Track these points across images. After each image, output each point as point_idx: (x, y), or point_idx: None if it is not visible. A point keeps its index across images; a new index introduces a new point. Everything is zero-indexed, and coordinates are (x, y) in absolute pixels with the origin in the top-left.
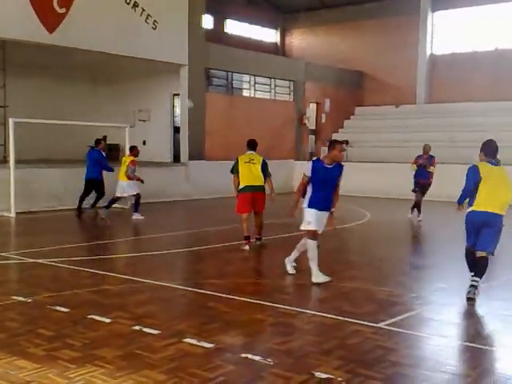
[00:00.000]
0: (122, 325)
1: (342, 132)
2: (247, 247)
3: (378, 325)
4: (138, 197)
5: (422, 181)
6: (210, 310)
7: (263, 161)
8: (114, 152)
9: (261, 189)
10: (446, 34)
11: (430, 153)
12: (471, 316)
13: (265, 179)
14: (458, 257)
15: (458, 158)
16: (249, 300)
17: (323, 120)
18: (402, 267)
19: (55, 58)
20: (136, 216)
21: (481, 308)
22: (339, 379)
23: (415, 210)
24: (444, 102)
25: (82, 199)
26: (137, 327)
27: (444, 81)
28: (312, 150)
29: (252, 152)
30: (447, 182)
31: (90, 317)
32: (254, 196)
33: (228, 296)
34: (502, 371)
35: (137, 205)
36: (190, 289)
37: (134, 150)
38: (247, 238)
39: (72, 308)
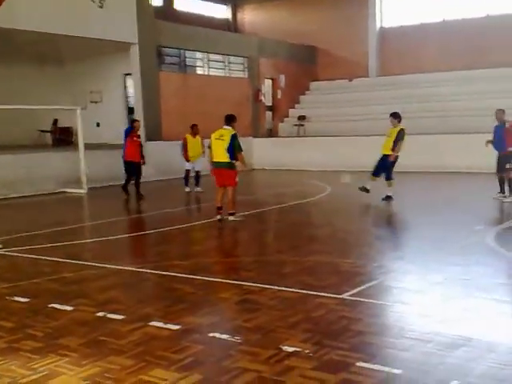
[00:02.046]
0: (85, 312)
1: (298, 107)
2: (218, 217)
3: (342, 296)
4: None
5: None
6: (174, 291)
7: (232, 136)
8: (66, 135)
9: (224, 165)
10: (394, 7)
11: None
12: (431, 282)
13: (234, 154)
14: (416, 225)
15: (410, 129)
16: (213, 279)
17: (279, 96)
18: (363, 238)
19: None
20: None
21: (440, 274)
22: (306, 351)
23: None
24: (395, 75)
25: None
26: (100, 313)
27: (394, 53)
28: (270, 126)
29: (226, 127)
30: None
31: (51, 306)
32: (219, 172)
33: (192, 276)
34: (461, 334)
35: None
36: (153, 271)
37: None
38: (218, 209)
39: (32, 298)
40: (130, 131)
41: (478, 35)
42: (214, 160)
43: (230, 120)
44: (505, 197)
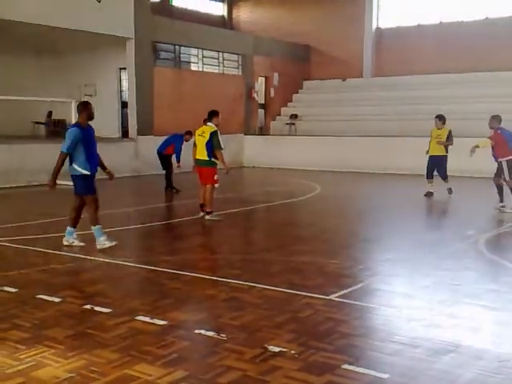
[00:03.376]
0: (72, 304)
1: (290, 106)
2: (201, 214)
3: (329, 297)
4: None
5: None
6: (162, 286)
7: (211, 133)
8: (60, 127)
9: (202, 163)
10: (391, 8)
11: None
12: (420, 286)
13: (212, 152)
14: (405, 228)
15: (404, 131)
16: (201, 276)
17: (272, 94)
18: (350, 240)
19: None
20: None
21: (429, 278)
22: (292, 352)
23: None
24: (390, 76)
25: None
26: (87, 306)
27: (390, 54)
28: (261, 124)
29: (209, 124)
30: (398, 154)
31: (38, 297)
32: (199, 169)
33: (180, 272)
34: (449, 340)
35: None
36: (141, 266)
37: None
38: (201, 206)
39: (20, 288)
40: (182, 142)
41: (475, 38)
42: (195, 157)
43: (211, 116)
44: (503, 206)
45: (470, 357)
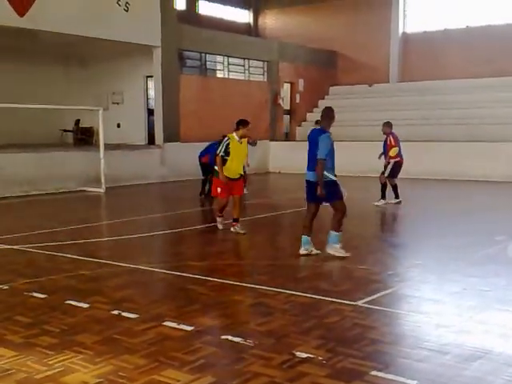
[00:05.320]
0: (101, 310)
1: (316, 112)
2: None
3: (356, 303)
4: None
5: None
6: (189, 292)
7: (224, 140)
8: (88, 135)
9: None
10: (417, 12)
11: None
12: (448, 292)
13: (214, 158)
14: (434, 234)
15: (431, 136)
16: (227, 281)
17: (297, 100)
18: (378, 245)
19: (26, 40)
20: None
21: (458, 284)
22: (320, 358)
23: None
24: (416, 81)
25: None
26: (115, 312)
27: (416, 59)
28: (287, 130)
29: (232, 134)
30: (424, 159)
31: (67, 302)
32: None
33: (207, 278)
34: (479, 346)
35: None
36: (168, 271)
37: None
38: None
39: (49, 294)
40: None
41: (503, 42)
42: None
43: (238, 125)
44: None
45: (501, 363)
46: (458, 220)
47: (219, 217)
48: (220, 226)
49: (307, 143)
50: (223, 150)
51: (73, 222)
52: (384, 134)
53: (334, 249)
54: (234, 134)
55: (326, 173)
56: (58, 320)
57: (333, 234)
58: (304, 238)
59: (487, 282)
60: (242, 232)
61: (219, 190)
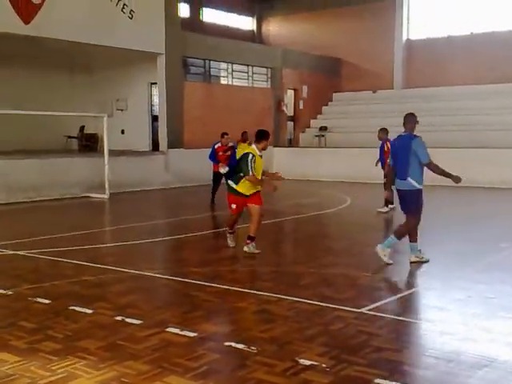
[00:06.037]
0: (104, 315)
1: (320, 118)
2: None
3: (360, 310)
4: None
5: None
6: (192, 298)
7: (243, 154)
8: (92, 141)
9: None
10: (421, 19)
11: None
12: (453, 300)
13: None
14: (438, 241)
15: (435, 142)
16: (231, 288)
17: (301, 106)
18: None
19: (31, 47)
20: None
21: (463, 291)
22: (323, 365)
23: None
24: (420, 87)
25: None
26: (119, 318)
27: (420, 66)
28: (291, 136)
29: (251, 146)
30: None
31: (71, 308)
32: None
33: (210, 284)
34: (484, 354)
35: None
36: (171, 278)
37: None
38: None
39: (53, 299)
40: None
41: (506, 49)
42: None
43: (257, 137)
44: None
45: (507, 371)
46: (462, 227)
47: (230, 233)
48: (231, 244)
49: (391, 152)
50: (253, 167)
51: (77, 227)
52: (380, 139)
53: (383, 251)
54: (254, 147)
55: (412, 180)
56: (62, 326)
57: (392, 239)
58: (412, 245)
59: (492, 289)
60: (257, 252)
61: (234, 206)
